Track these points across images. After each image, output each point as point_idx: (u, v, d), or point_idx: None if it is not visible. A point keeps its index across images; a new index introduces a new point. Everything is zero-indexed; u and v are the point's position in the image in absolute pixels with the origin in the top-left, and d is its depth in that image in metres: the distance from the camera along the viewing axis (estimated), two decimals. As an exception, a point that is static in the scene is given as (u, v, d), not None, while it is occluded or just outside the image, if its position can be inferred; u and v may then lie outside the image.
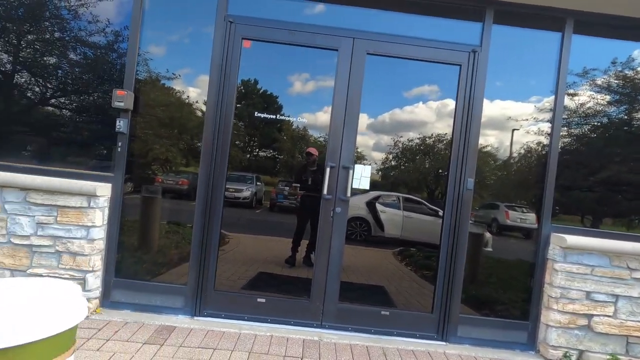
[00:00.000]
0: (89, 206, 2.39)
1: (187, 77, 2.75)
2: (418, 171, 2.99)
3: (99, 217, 2.43)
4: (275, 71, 2.77)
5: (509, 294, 2.77)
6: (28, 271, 2.37)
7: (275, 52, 2.72)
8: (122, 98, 2.48)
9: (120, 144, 2.55)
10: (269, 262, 2.83)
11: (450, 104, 2.74)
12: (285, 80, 2.77)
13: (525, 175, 2.92)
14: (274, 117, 2.74)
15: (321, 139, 2.80)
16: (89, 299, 2.43)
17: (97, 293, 2.50)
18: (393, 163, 2.89)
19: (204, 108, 2.69)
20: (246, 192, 2.89)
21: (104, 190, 2.45)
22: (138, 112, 2.63)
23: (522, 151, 2.85)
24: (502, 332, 2.67)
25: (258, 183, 2.92)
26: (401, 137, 2.80)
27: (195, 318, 2.57)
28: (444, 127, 2.78)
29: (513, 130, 2.83)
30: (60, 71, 2.85)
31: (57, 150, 2.81)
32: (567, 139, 2.82)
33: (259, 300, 2.62)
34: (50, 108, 2.86)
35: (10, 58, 2.78)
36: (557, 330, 2.52)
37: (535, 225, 2.77)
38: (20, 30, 2.77)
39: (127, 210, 2.64)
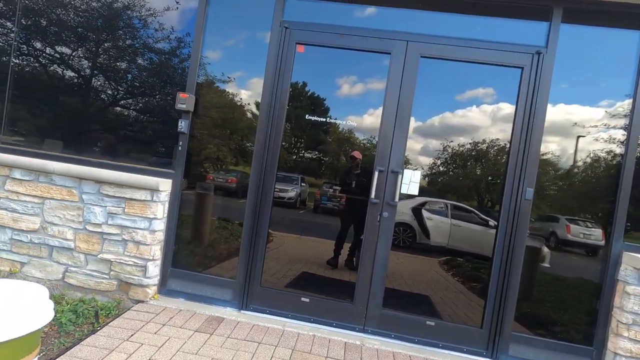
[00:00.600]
0: (152, 200, 2.59)
1: (241, 80, 2.89)
2: (468, 178, 2.86)
3: (160, 210, 2.63)
4: (324, 74, 2.81)
5: (569, 314, 2.55)
6: (99, 256, 2.63)
7: (327, 55, 2.76)
8: (185, 100, 2.66)
9: (181, 143, 2.74)
10: (312, 263, 2.87)
11: (507, 108, 2.60)
12: (333, 83, 2.80)
13: (591, 186, 2.68)
14: (321, 119, 2.78)
15: (366, 142, 2.79)
16: (148, 286, 2.63)
17: (156, 280, 2.70)
18: (441, 169, 2.79)
19: (254, 109, 2.80)
20: (291, 192, 2.96)
21: (165, 185, 2.64)
22: (197, 113, 2.81)
23: (589, 160, 2.61)
24: (561, 355, 2.47)
25: (303, 184, 2.98)
26: (451, 141, 2.70)
27: (242, 311, 2.68)
28: (497, 132, 2.64)
29: (578, 137, 2.61)
30: (129, 75, 3.12)
31: (125, 147, 3.08)
32: (642, 148, 2.54)
33: (302, 299, 2.67)
34: (119, 109, 3.15)
35: (90, 64, 3.10)
36: (627, 360, 2.28)
37: (602, 242, 2.53)
38: (99, 38, 3.08)
39: (182, 205, 2.83)
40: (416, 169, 2.65)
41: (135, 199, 2.59)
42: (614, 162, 2.53)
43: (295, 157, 2.94)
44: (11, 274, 2.70)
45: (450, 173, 2.82)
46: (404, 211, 2.78)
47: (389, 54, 2.59)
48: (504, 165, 2.57)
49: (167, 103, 2.95)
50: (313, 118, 2.77)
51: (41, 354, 1.98)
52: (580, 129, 2.57)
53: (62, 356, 1.96)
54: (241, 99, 2.89)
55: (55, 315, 2.32)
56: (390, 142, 2.60)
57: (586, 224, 2.67)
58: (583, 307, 2.53)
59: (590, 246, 2.64)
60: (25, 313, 0.30)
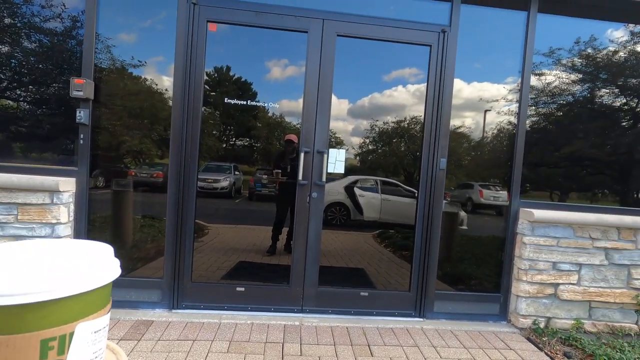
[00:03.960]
0: (52, 202, 2.27)
1: (157, 64, 2.63)
2: (394, 154, 3.02)
3: (64, 214, 2.32)
4: (248, 56, 2.69)
5: (482, 269, 2.88)
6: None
7: (246, 36, 2.63)
8: (81, 87, 2.35)
9: (82, 135, 2.42)
10: (249, 251, 2.81)
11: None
12: (260, 66, 2.69)
13: (497, 154, 3.00)
14: (248, 104, 2.67)
15: (298, 125, 2.78)
16: (59, 298, 2.34)
17: (68, 292, 2.41)
18: (370, 147, 2.90)
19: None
20: (224, 182, 2.84)
21: (67, 185, 2.33)
22: (101, 102, 2.50)
23: (495, 131, 2.92)
24: (476, 305, 2.79)
25: (236, 172, 2.87)
26: (377, 120, 2.80)
27: (173, 311, 2.53)
28: (420, 110, 2.80)
29: (485, 111, 2.89)
30: (14, 61, 2.66)
31: (17, 146, 2.64)
32: (534, 118, 2.91)
33: (238, 289, 2.61)
34: (6, 101, 2.68)
35: (-44, 47, 2.56)
36: (526, 300, 2.65)
37: (507, 202, 2.87)
38: (-36, 16, 2.55)
39: (97, 205, 2.54)
40: (340, 148, 2.70)
41: (30, 204, 2.25)
42: (513, 131, 2.85)
43: (226, 145, 2.81)
44: None
45: (379, 151, 2.94)
46: (338, 190, 2.84)
47: (306, 32, 2.56)
48: (421, 139, 2.75)
49: (65, 93, 2.58)
50: (239, 102, 2.65)
51: None
52: (486, 103, 2.84)
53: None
54: (157, 84, 2.64)
55: None
56: (313, 122, 2.60)
57: (495, 187, 3.00)
58: (493, 261, 2.88)
59: (499, 207, 2.97)
60: (94, 268, 0.26)
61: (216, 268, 2.70)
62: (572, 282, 2.66)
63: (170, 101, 2.62)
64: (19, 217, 2.25)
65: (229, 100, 2.63)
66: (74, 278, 0.33)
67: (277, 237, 2.80)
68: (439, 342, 2.44)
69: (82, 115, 2.39)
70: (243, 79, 2.72)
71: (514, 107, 2.83)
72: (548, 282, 2.64)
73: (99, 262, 0.37)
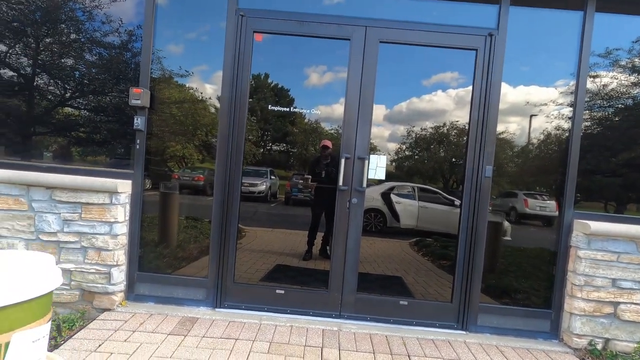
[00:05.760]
0: (111, 203, 2.45)
1: (202, 73, 2.77)
2: (432, 160, 2.95)
3: (121, 213, 2.50)
4: (287, 64, 2.76)
5: (529, 282, 2.73)
6: (57, 266, 2.46)
7: (288, 44, 2.70)
8: (139, 96, 2.52)
9: (138, 141, 2.60)
10: (286, 255, 2.86)
11: (469, 90, 2.68)
12: (297, 73, 2.75)
13: (544, 161, 2.84)
14: (287, 109, 2.74)
15: (333, 131, 2.79)
16: (114, 292, 2.51)
17: (122, 286, 2.58)
18: (407, 153, 2.86)
19: (217, 104, 2.71)
20: (261, 186, 2.92)
21: (124, 186, 2.51)
22: (154, 109, 2.67)
23: (542, 137, 2.77)
24: (524, 320, 2.64)
25: (272, 177, 2.94)
26: (414, 126, 2.76)
27: (217, 309, 2.63)
28: (463, 115, 2.72)
29: (531, 116, 2.75)
30: (77, 72, 2.91)
31: (78, 150, 2.89)
32: (589, 123, 2.72)
33: (277, 291, 2.66)
34: (69, 109, 2.94)
35: (30, 61, 2.85)
36: (581, 319, 2.47)
37: (556, 213, 2.70)
38: (38, 33, 2.83)
39: (146, 206, 2.71)
40: (382, 154, 2.69)
41: (92, 203, 2.45)
42: (564, 137, 2.69)
43: (263, 150, 2.89)
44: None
45: (416, 157, 2.89)
46: (374, 197, 2.82)
47: (349, 40, 2.58)
48: (465, 146, 2.67)
49: (122, 101, 2.78)
50: (276, 108, 2.72)
51: None
52: (533, 108, 2.71)
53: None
54: (203, 93, 2.79)
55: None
56: (355, 128, 2.61)
57: (542, 197, 2.84)
58: (541, 274, 2.71)
59: (545, 217, 2.81)
60: (34, 278, 0.29)
61: (255, 270, 2.77)
62: (634, 301, 2.44)
63: (212, 108, 2.75)
64: (82, 216, 2.45)
65: (272, 108, 2.71)
66: (10, 288, 0.34)
67: (312, 242, 2.83)
68: (484, 357, 2.33)
69: (139, 122, 2.56)
70: (280, 86, 2.79)
71: (566, 111, 2.67)
72: (606, 300, 2.45)
73: (38, 272, 0.37)
